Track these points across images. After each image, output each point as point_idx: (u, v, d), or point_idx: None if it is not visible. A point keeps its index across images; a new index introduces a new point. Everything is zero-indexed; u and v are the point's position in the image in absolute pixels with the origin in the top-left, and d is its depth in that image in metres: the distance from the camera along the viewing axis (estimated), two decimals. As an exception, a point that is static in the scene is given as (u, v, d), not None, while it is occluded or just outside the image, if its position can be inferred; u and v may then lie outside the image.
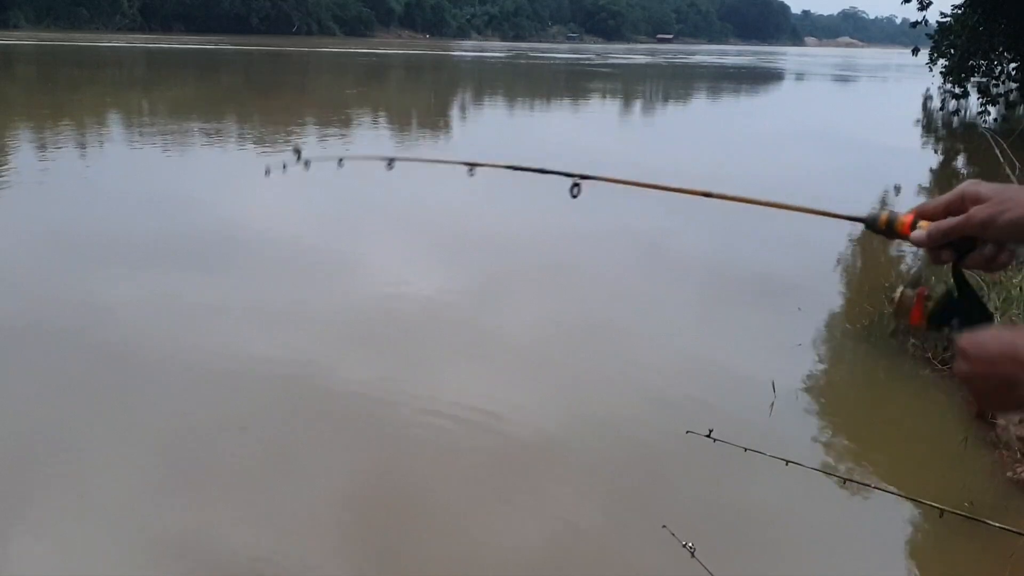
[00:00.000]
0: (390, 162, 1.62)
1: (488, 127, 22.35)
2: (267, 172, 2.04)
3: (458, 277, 7.87)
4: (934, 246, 1.09)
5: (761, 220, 10.84)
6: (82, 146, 15.36)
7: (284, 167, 1.97)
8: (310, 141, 17.71)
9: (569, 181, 1.45)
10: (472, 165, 1.56)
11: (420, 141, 18.70)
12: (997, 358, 1.00)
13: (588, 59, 63.41)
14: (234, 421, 4.92)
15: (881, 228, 1.13)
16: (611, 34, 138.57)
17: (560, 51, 79.96)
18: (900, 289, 1.14)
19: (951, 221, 1.06)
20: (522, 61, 60.18)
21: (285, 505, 4.09)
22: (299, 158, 1.76)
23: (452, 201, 11.45)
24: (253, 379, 5.44)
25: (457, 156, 1.73)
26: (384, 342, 6.25)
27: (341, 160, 1.90)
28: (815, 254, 9.02)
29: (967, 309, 1.10)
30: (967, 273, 1.12)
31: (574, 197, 1.44)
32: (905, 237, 1.12)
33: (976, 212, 1.04)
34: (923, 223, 1.11)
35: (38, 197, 11.05)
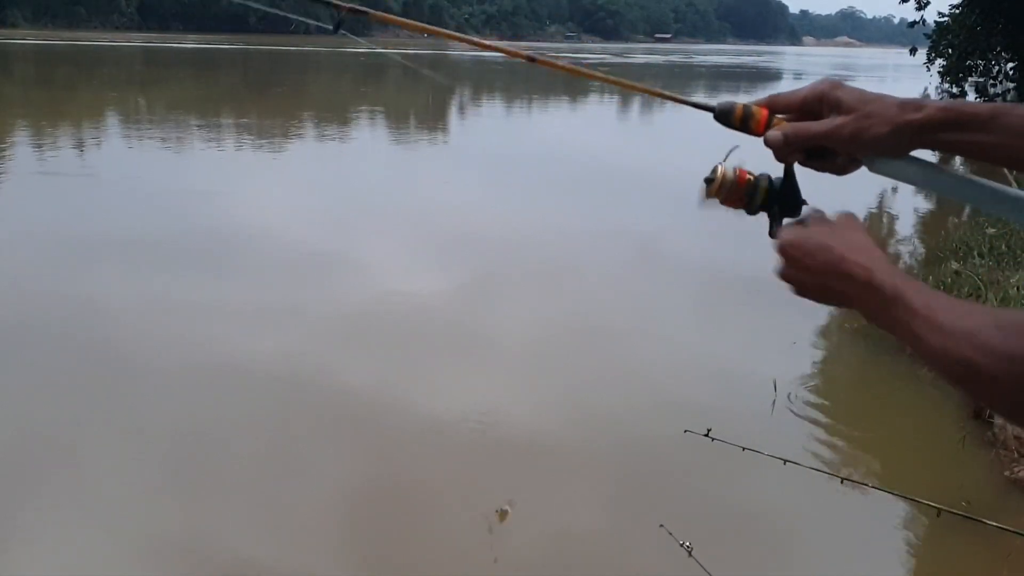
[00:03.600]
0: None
1: (512, 128, 22.34)
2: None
3: (458, 277, 7.86)
4: (789, 151, 1.04)
5: (757, 221, 10.84)
6: (81, 145, 15.35)
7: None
8: (308, 137, 17.72)
9: None
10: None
11: (420, 139, 18.71)
12: (818, 267, 0.96)
13: (603, 59, 63.37)
14: (235, 422, 4.92)
15: (735, 122, 1.07)
16: (609, 33, 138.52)
17: (566, 51, 79.91)
18: (719, 167, 1.06)
19: (812, 129, 1.01)
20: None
21: (286, 506, 4.09)
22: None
23: (451, 200, 11.46)
24: (254, 380, 5.43)
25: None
26: (385, 343, 6.25)
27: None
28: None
29: (788, 197, 1.07)
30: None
31: (335, 31, 1.32)
32: (758, 135, 1.05)
33: (842, 126, 0.99)
34: (778, 119, 1.05)
35: (36, 196, 11.03)
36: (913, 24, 23.82)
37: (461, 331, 6.57)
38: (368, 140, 18.11)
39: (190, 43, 61.68)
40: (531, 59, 1.22)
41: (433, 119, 23.57)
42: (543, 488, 4.35)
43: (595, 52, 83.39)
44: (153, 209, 10.12)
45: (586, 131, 21.63)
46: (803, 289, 0.99)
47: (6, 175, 12.40)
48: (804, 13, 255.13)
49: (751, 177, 1.06)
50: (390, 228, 9.79)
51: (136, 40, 64.43)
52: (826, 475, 4.01)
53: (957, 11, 22.45)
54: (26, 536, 3.78)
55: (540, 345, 6.29)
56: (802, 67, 69.39)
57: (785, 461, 2.58)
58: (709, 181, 1.07)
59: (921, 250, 9.30)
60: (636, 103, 31.85)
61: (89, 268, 7.72)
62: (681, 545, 2.52)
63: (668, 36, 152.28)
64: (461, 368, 5.88)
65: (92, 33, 71.60)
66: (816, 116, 1.02)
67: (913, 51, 25.92)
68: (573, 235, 9.74)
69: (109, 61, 42.82)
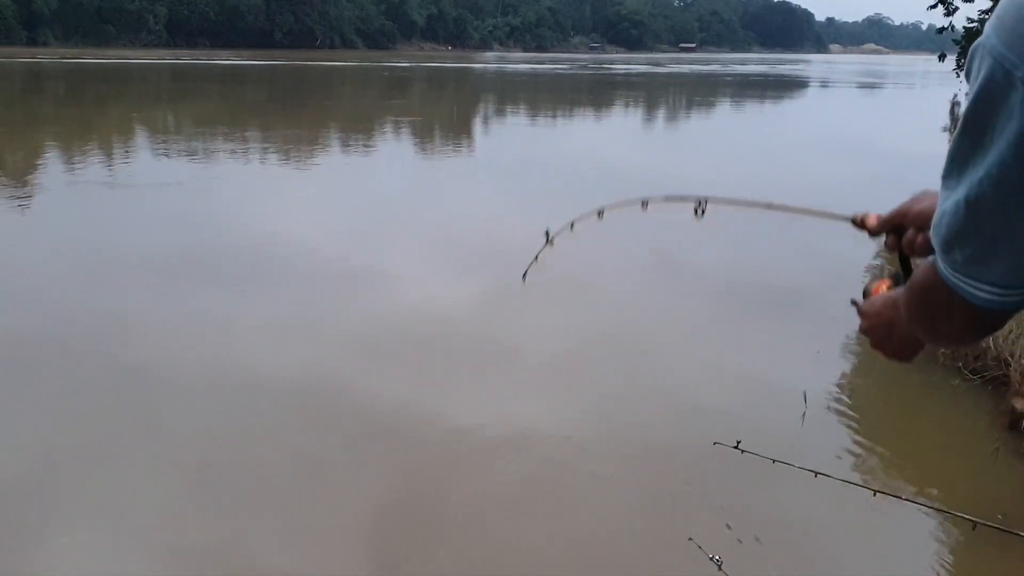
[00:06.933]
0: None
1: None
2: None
3: (480, 288, 7.86)
4: (877, 233, 1.39)
5: (780, 229, 10.78)
6: (109, 160, 15.55)
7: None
8: (336, 149, 17.84)
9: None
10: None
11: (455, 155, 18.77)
12: (879, 309, 1.27)
13: (630, 68, 63.49)
14: (262, 434, 4.94)
15: (858, 223, 1.45)
16: (633, 43, 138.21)
17: (591, 63, 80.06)
18: (875, 280, 1.40)
19: (885, 216, 1.37)
20: (587, 72, 60.33)
21: (313, 518, 4.10)
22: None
23: (468, 212, 11.49)
24: (279, 393, 5.46)
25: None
26: (410, 355, 6.26)
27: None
28: (840, 263, 8.94)
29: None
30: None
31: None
32: (864, 228, 1.43)
33: (898, 210, 1.34)
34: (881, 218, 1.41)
35: (65, 211, 11.19)
36: (942, 30, 23.64)
37: (487, 343, 6.56)
38: (395, 151, 18.19)
39: (217, 59, 62.42)
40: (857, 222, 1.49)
41: (457, 130, 23.68)
42: (570, 500, 4.33)
43: (629, 63, 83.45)
44: (180, 223, 10.22)
45: (610, 141, 21.61)
46: (873, 335, 1.32)
47: (36, 190, 12.57)
48: (830, 21, 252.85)
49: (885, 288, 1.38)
50: (415, 240, 9.81)
51: (165, 57, 65.29)
52: (858, 487, 3.95)
53: (986, 16, 22.24)
54: (56, 547, 3.81)
55: (566, 357, 6.27)
56: (828, 75, 68.98)
57: (816, 473, 2.55)
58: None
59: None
60: (660, 114, 31.84)
61: (116, 282, 7.79)
62: (711, 559, 2.50)
63: (693, 45, 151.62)
64: (487, 380, 5.87)
65: (121, 51, 72.61)
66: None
67: (942, 57, 25.72)
68: (591, 245, 9.70)
69: (138, 78, 43.42)
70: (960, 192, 0.91)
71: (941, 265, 0.99)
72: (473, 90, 43.35)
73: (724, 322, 7.21)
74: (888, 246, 1.38)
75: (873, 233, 1.40)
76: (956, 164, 0.92)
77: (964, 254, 0.95)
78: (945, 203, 0.94)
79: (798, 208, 1.62)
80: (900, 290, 1.22)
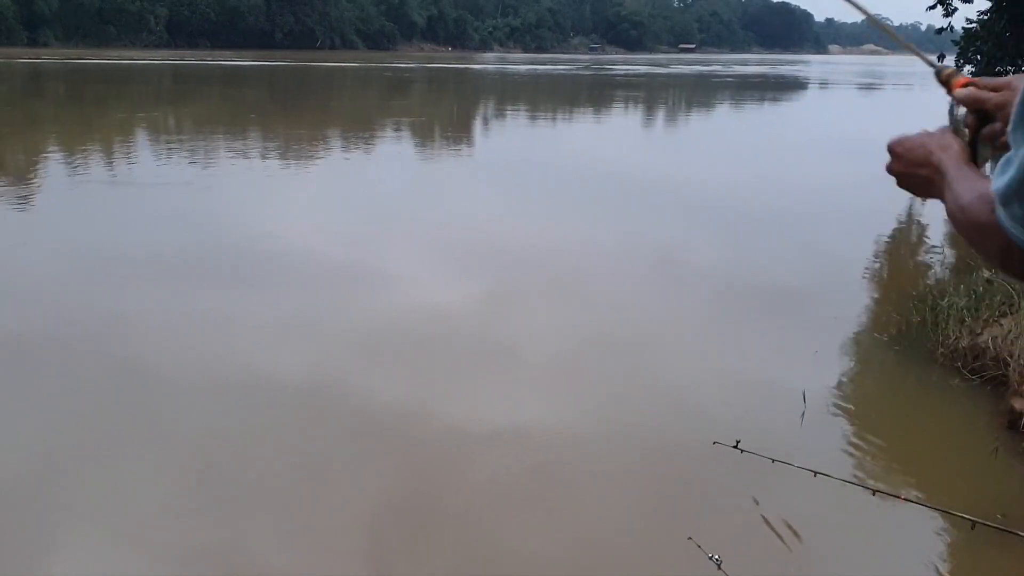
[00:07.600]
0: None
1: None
2: None
3: (479, 289, 7.87)
4: (962, 105, 1.27)
5: (782, 229, 10.79)
6: (109, 161, 15.54)
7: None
8: (337, 149, 17.85)
9: None
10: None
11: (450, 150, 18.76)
12: (920, 160, 1.23)
13: (630, 69, 63.51)
14: (262, 435, 4.94)
15: (942, 79, 1.34)
16: (633, 44, 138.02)
17: (616, 64, 79.98)
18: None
19: (979, 93, 1.24)
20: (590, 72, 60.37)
21: (312, 516, 4.10)
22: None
23: (469, 212, 11.49)
24: (279, 393, 5.46)
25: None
26: (411, 356, 6.26)
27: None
28: (839, 263, 8.95)
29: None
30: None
31: None
32: (950, 92, 1.30)
33: (995, 95, 1.21)
34: (970, 88, 1.27)
35: (65, 211, 11.18)
36: (941, 31, 23.64)
37: (487, 342, 6.57)
38: (396, 152, 18.19)
39: (218, 60, 62.43)
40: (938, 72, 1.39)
41: (458, 130, 23.67)
42: (570, 499, 4.33)
43: (628, 63, 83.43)
44: (180, 223, 10.22)
45: (609, 142, 21.61)
46: (903, 181, 1.27)
47: (37, 190, 12.57)
48: (830, 21, 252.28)
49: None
50: (416, 240, 9.81)
51: (165, 58, 65.28)
52: (857, 487, 3.96)
53: (985, 17, 22.23)
54: (56, 546, 3.81)
55: (566, 357, 6.28)
56: (827, 76, 68.99)
57: (816, 473, 2.56)
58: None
59: (952, 258, 9.19)
60: (661, 113, 31.84)
61: (117, 282, 7.79)
62: (710, 558, 2.50)
63: (692, 46, 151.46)
64: (487, 380, 5.88)
65: (122, 51, 72.61)
66: None
67: (941, 58, 25.66)
68: (596, 246, 9.72)
69: (139, 78, 43.40)
70: (1021, 152, 0.94)
71: (1001, 215, 1.01)
72: (473, 91, 43.34)
73: (724, 322, 7.21)
74: (966, 124, 1.30)
75: (956, 100, 1.31)
76: (1020, 125, 0.95)
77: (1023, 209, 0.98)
78: (1010, 160, 0.97)
79: (892, 33, 1.62)
80: (945, 142, 1.22)
